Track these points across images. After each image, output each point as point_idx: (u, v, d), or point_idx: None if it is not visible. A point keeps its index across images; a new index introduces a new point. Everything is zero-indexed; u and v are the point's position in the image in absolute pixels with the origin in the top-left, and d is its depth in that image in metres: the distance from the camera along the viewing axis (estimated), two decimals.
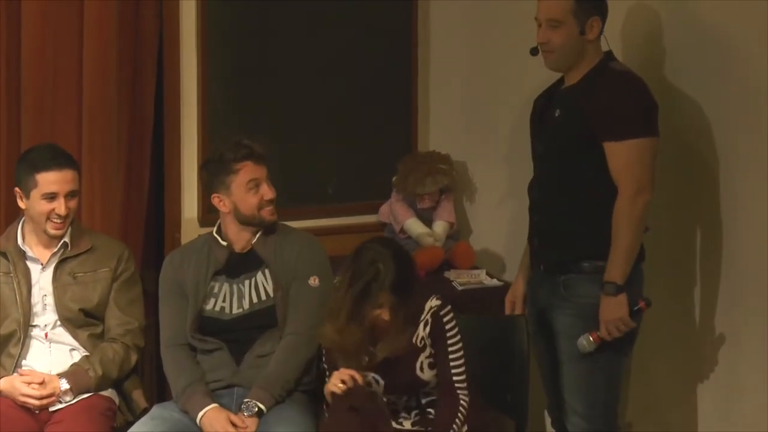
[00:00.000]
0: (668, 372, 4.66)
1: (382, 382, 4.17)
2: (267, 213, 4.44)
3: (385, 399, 4.20)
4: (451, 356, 4.20)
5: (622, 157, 4.12)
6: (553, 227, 4.32)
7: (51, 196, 4.44)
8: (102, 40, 4.96)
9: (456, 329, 4.21)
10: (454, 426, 4.17)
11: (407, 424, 4.24)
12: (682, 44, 4.51)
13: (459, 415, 4.18)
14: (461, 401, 4.18)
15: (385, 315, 4.10)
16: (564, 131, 4.25)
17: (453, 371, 4.19)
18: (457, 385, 4.19)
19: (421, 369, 4.19)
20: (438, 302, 4.21)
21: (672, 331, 4.61)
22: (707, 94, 4.42)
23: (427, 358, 4.20)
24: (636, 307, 4.16)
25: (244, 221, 4.46)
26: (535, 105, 4.46)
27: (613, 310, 4.14)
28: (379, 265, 4.07)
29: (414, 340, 4.19)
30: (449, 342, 4.20)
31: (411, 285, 4.16)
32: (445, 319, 4.20)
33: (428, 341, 4.19)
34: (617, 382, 4.32)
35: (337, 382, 4.08)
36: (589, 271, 4.20)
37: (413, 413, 4.25)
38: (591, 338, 4.18)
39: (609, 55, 4.28)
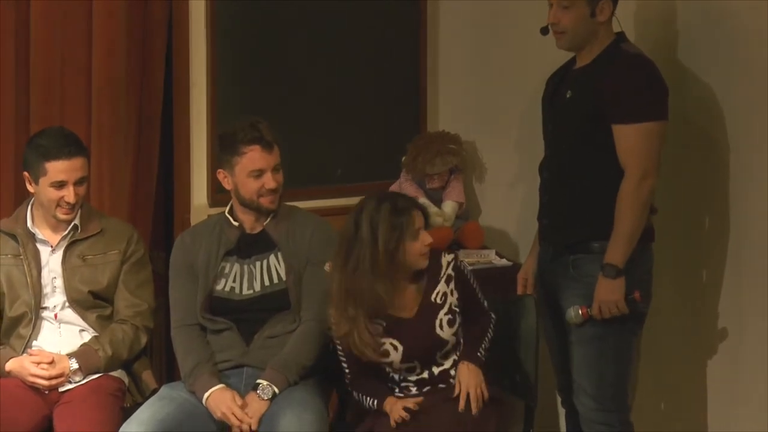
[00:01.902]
0: (678, 352, 4.68)
1: (400, 348, 4.20)
2: (266, 201, 4.45)
3: (398, 374, 4.24)
4: (477, 296, 4.30)
5: (630, 139, 4.14)
6: (562, 207, 4.35)
7: (60, 184, 4.46)
8: (111, 24, 4.98)
9: (471, 272, 4.32)
10: (488, 334, 4.29)
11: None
12: (694, 26, 4.52)
13: (491, 324, 4.31)
14: (491, 320, 4.31)
15: (427, 239, 4.18)
16: (575, 112, 4.28)
17: (479, 301, 4.30)
18: (484, 309, 4.32)
19: (441, 327, 4.23)
20: (451, 255, 4.31)
21: (680, 312, 4.64)
22: (719, 78, 4.44)
23: (445, 314, 4.24)
24: (630, 296, 4.18)
25: (243, 203, 4.48)
26: (547, 85, 4.48)
27: (610, 291, 4.18)
28: (400, 203, 4.17)
29: (433, 298, 4.25)
30: (473, 287, 4.31)
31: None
32: (462, 266, 4.30)
33: (454, 296, 4.25)
34: (627, 362, 4.33)
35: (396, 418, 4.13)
36: (598, 251, 4.21)
37: (425, 389, 4.26)
38: (580, 312, 4.24)
39: (621, 36, 4.30)
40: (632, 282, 4.19)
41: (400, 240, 4.13)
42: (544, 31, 4.29)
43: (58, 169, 4.44)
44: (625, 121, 4.14)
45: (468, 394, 4.15)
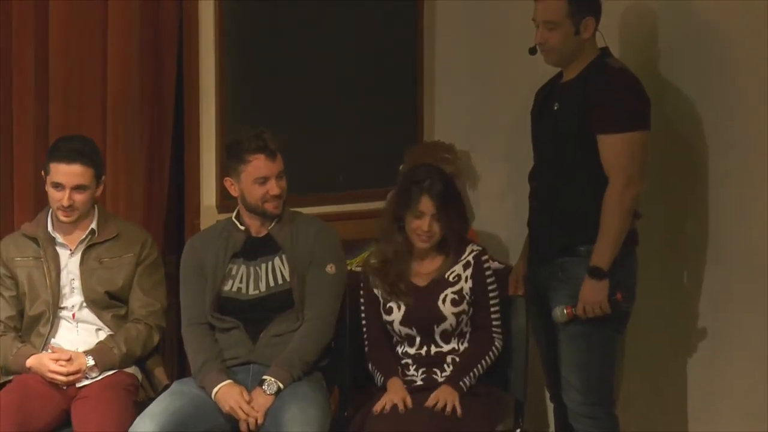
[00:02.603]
0: (660, 349, 4.70)
1: (403, 308, 4.35)
2: (270, 206, 4.49)
3: (401, 345, 4.38)
4: (491, 301, 4.40)
5: (614, 148, 4.20)
6: (550, 213, 4.39)
7: (58, 186, 4.56)
8: (125, 37, 5.04)
9: (493, 277, 4.41)
10: (483, 362, 4.36)
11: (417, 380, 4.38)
12: (676, 42, 4.54)
13: (490, 353, 4.38)
14: (495, 342, 4.39)
15: (424, 225, 4.31)
16: (562, 123, 4.33)
17: (492, 315, 4.40)
18: (494, 329, 4.39)
19: (443, 301, 4.37)
20: (479, 248, 4.44)
21: (662, 311, 4.65)
22: (700, 91, 4.46)
23: (453, 293, 4.38)
24: (613, 297, 4.23)
25: (249, 209, 4.53)
26: (536, 98, 4.51)
27: (594, 293, 4.23)
28: (423, 173, 4.32)
29: (447, 275, 4.39)
30: (489, 288, 4.41)
31: (453, 207, 4.36)
32: (485, 265, 4.42)
33: (468, 284, 4.38)
34: (612, 359, 4.39)
35: (387, 405, 4.24)
36: (585, 254, 4.27)
37: (421, 371, 4.38)
38: (566, 311, 4.28)
39: (605, 51, 4.34)
40: (616, 284, 4.24)
41: (406, 208, 4.35)
42: (533, 51, 4.35)
43: (58, 170, 4.55)
44: (609, 130, 4.20)
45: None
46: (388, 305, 4.43)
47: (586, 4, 4.30)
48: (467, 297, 4.42)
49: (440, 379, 4.38)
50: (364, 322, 4.49)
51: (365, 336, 4.50)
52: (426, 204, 4.35)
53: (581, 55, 4.33)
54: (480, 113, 5.31)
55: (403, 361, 4.43)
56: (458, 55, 5.41)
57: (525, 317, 4.58)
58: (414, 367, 4.42)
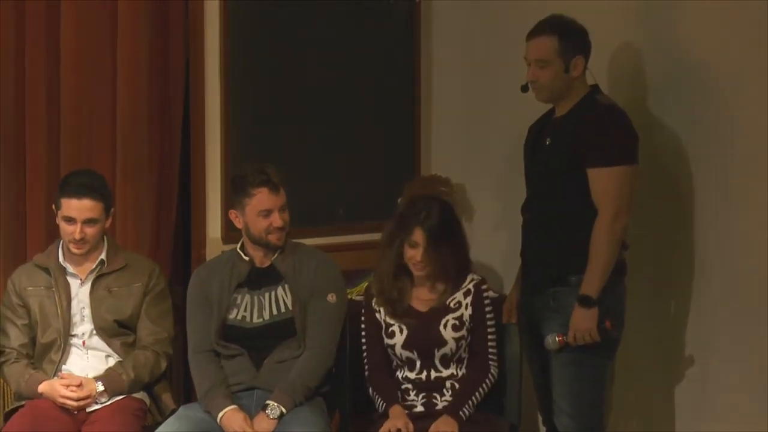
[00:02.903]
0: (649, 375, 4.76)
1: (405, 332, 4.39)
2: (274, 238, 4.55)
3: (401, 370, 4.42)
4: (488, 330, 4.48)
5: (603, 182, 4.27)
6: (542, 244, 4.46)
7: (69, 220, 4.61)
8: (133, 75, 5.03)
9: (491, 306, 4.48)
10: (480, 389, 4.43)
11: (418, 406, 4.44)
12: (662, 80, 4.62)
13: (487, 380, 4.45)
14: (492, 369, 4.47)
15: (417, 255, 4.37)
16: (553, 159, 4.41)
17: (488, 344, 4.47)
18: (490, 357, 4.48)
19: (445, 326, 4.44)
20: (479, 277, 4.51)
21: (651, 339, 4.72)
22: (687, 126, 4.53)
23: (454, 319, 4.45)
24: (602, 325, 4.30)
25: (253, 240, 4.59)
26: (529, 133, 4.59)
27: (584, 321, 4.30)
28: (421, 205, 4.37)
29: (448, 302, 4.45)
30: (487, 317, 4.49)
31: (450, 240, 4.42)
32: (485, 294, 4.50)
33: (468, 311, 4.45)
34: (602, 385, 4.46)
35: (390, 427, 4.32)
36: (576, 284, 4.34)
37: (421, 396, 4.46)
38: (557, 339, 4.35)
39: (595, 88, 4.42)
40: (605, 311, 4.31)
41: (399, 236, 4.42)
42: (524, 88, 4.41)
43: (69, 205, 4.59)
44: (598, 164, 4.26)
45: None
46: (390, 329, 4.49)
47: (575, 44, 4.36)
48: (467, 323, 4.49)
49: (440, 404, 4.45)
50: (365, 347, 4.53)
51: (366, 361, 4.54)
52: (419, 235, 4.43)
53: (572, 92, 4.40)
54: (475, 148, 5.39)
55: (403, 386, 4.48)
56: (454, 91, 5.49)
57: (518, 344, 4.64)
58: (414, 392, 4.48)
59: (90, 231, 4.63)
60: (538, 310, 4.51)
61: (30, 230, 5.09)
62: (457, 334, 4.48)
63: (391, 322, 4.49)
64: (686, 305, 4.62)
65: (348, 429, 4.66)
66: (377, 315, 4.54)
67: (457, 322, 4.49)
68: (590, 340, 4.33)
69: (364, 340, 4.58)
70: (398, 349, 4.49)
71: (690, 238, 4.58)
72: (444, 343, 4.47)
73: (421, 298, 4.53)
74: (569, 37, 4.36)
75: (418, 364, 4.48)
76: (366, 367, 4.57)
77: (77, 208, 4.60)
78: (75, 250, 4.66)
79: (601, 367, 4.46)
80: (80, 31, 5.03)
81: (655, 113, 4.65)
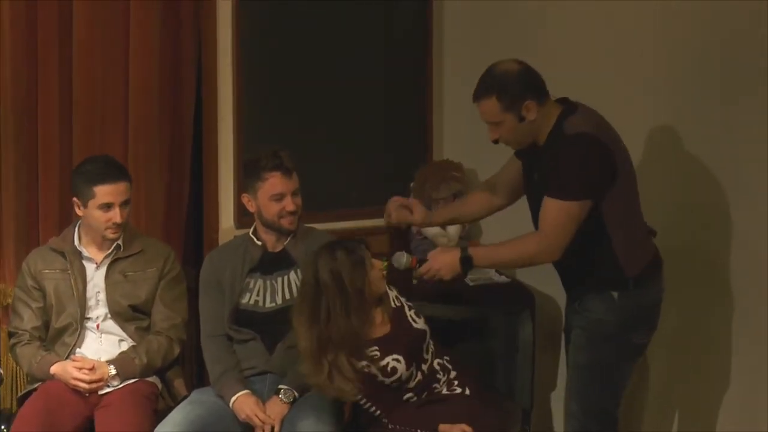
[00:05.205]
0: (675, 379, 4.79)
1: (402, 358, 4.28)
2: (286, 222, 4.55)
3: (401, 391, 4.35)
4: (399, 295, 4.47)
5: (552, 212, 4.16)
6: (556, 267, 4.41)
7: (108, 206, 4.59)
8: (145, 63, 5.07)
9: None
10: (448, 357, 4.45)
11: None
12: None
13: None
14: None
15: (378, 263, 4.31)
16: (542, 192, 4.25)
17: (407, 303, 4.48)
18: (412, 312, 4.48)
19: (414, 320, 4.40)
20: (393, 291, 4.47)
21: (679, 345, 4.73)
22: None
23: (409, 310, 4.42)
24: (417, 265, 4.29)
25: (265, 225, 4.59)
26: (520, 158, 4.44)
27: (444, 262, 4.25)
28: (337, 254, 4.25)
29: (393, 304, 4.40)
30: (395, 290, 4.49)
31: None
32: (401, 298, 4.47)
33: (402, 296, 4.44)
34: (615, 390, 4.35)
35: None
36: (598, 287, 4.27)
37: (424, 394, 4.39)
38: (411, 259, 4.34)
39: (565, 110, 4.22)
40: (639, 311, 4.25)
41: (365, 274, 4.24)
42: (495, 141, 4.28)
43: (105, 192, 4.57)
44: (552, 195, 4.14)
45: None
46: (389, 367, 4.32)
47: (516, 93, 4.18)
48: (411, 305, 4.47)
49: (440, 388, 4.42)
50: (373, 408, 4.36)
51: (375, 410, 4.36)
52: (366, 251, 4.34)
53: (540, 128, 4.24)
54: (486, 134, 5.11)
55: (405, 396, 4.39)
56: (466, 77, 5.20)
57: (531, 329, 4.65)
58: (416, 398, 4.41)
59: (126, 213, 4.64)
60: (568, 317, 4.47)
61: (42, 220, 5.12)
62: (421, 318, 4.45)
63: (384, 363, 4.33)
64: (710, 311, 4.63)
65: (361, 413, 4.50)
66: (369, 370, 4.35)
67: (414, 310, 4.46)
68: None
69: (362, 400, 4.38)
70: (404, 375, 4.36)
71: (702, 236, 4.61)
72: (424, 333, 4.43)
73: (380, 324, 4.41)
74: (507, 90, 4.17)
75: (415, 368, 4.40)
76: (381, 415, 4.38)
77: (114, 192, 4.59)
78: (113, 235, 4.66)
79: (618, 370, 4.37)
80: (93, 27, 5.08)
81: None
